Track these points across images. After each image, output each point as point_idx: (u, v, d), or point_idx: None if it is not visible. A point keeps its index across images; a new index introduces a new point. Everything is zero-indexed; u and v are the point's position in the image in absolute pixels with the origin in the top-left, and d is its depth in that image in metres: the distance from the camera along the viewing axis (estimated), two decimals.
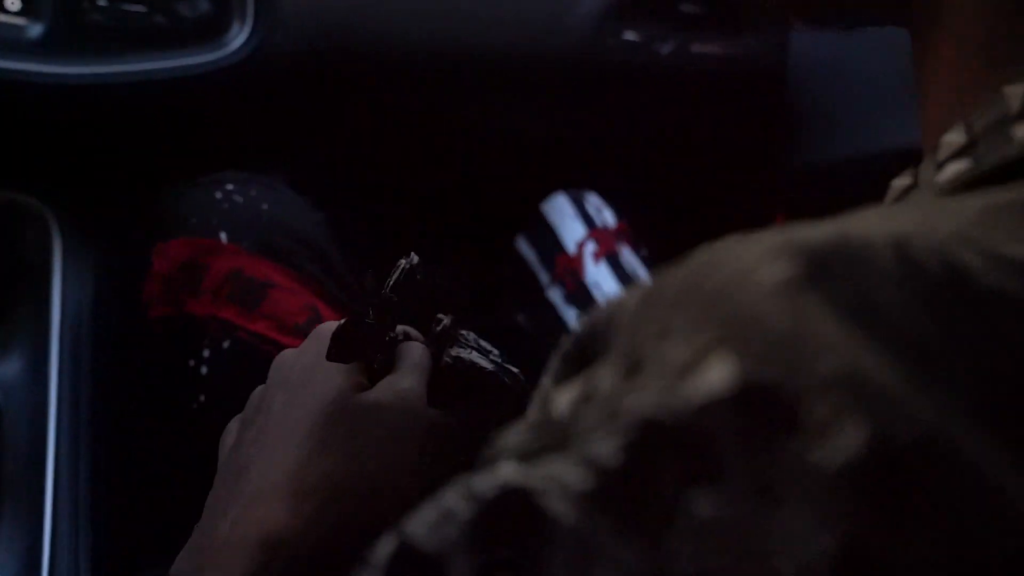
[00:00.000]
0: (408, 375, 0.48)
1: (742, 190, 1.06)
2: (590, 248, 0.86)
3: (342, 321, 0.47)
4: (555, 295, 0.85)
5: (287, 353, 0.50)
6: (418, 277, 0.50)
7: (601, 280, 0.84)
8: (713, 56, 0.99)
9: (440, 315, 0.53)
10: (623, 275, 0.84)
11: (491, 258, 0.95)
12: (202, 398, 0.66)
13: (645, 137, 1.02)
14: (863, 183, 0.99)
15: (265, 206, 0.72)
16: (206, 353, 0.67)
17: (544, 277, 0.86)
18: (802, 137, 1.04)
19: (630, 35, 0.97)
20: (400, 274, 0.50)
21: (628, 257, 0.86)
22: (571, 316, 0.84)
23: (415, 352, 0.50)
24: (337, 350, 0.46)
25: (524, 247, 0.90)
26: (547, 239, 0.88)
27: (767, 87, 1.02)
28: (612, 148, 1.02)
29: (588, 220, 0.87)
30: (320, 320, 0.68)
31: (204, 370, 0.67)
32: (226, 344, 0.67)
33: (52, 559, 0.61)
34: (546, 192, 0.92)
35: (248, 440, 0.46)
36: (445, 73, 0.92)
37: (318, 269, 0.72)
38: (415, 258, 0.51)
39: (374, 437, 0.46)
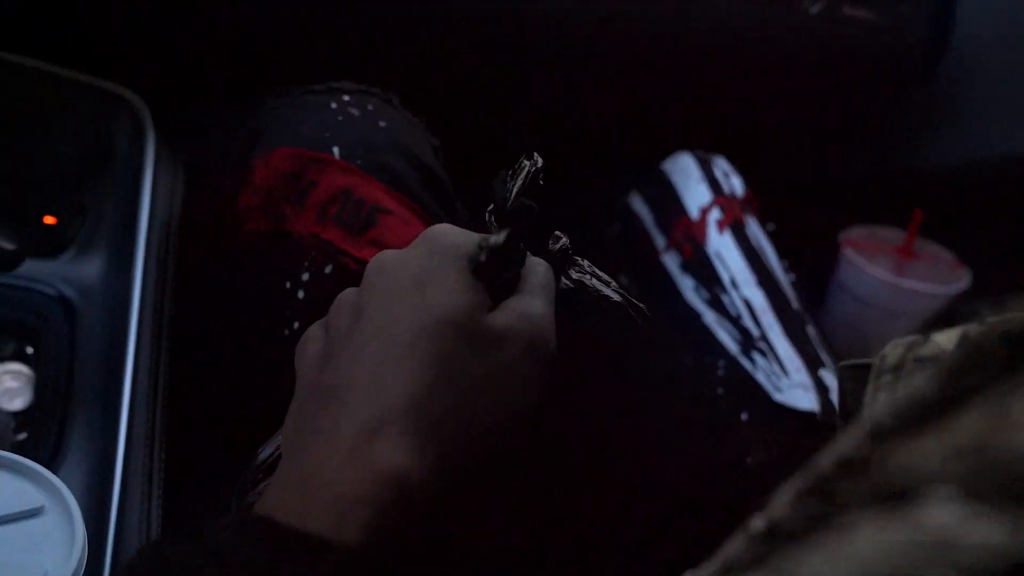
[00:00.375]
0: (538, 298, 0.43)
1: (877, 174, 1.00)
2: (715, 215, 0.81)
3: (486, 236, 0.42)
4: (670, 261, 0.81)
5: (389, 254, 0.44)
6: (541, 183, 0.45)
7: (724, 251, 0.79)
8: (864, 21, 0.93)
9: (557, 232, 0.48)
10: (748, 248, 0.79)
11: (597, 212, 0.90)
12: (296, 325, 0.61)
13: (779, 102, 0.96)
14: (1007, 184, 0.94)
15: (383, 123, 0.66)
16: (305, 276, 0.61)
17: (660, 240, 0.82)
18: (950, 133, 0.98)
19: None
20: (527, 177, 0.45)
21: (754, 229, 0.81)
22: (687, 285, 0.79)
23: (541, 271, 0.46)
24: (478, 265, 0.41)
25: (639, 204, 0.85)
26: (667, 200, 0.83)
27: (916, 64, 0.96)
28: (741, 112, 0.97)
29: (715, 185, 0.82)
30: None
31: (301, 294, 0.61)
32: (328, 269, 0.61)
33: (124, 475, 0.57)
34: (665, 150, 0.86)
35: (343, 352, 0.41)
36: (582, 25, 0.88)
37: (433, 199, 0.66)
38: (539, 160, 0.46)
39: (507, 369, 0.41)
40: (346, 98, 0.66)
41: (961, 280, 0.96)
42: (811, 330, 0.78)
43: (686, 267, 0.80)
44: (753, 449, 0.70)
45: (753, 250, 0.79)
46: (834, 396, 0.75)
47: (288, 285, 0.61)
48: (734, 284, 0.77)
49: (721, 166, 0.84)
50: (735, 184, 0.83)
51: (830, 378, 0.76)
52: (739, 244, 0.79)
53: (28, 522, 0.42)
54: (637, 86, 0.94)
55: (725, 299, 0.77)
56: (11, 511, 0.42)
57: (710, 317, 0.77)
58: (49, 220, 0.71)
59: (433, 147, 0.70)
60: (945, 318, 0.95)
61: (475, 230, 0.45)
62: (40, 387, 0.61)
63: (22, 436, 0.59)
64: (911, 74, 0.97)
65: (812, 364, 0.76)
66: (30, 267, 0.66)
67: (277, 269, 0.62)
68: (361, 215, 0.62)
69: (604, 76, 0.91)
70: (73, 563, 0.41)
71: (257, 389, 0.64)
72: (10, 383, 0.62)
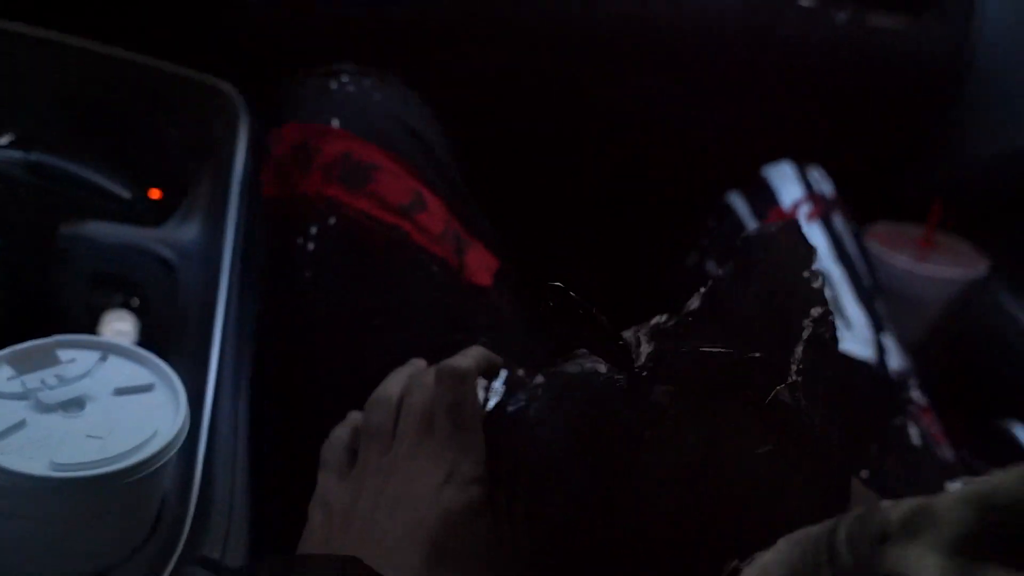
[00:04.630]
0: None
1: (901, 175, 1.05)
2: (805, 208, 0.90)
3: None
4: None
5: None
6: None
7: (812, 237, 0.86)
8: (890, 31, 0.98)
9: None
10: (834, 239, 0.88)
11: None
12: (308, 274, 0.71)
13: (809, 112, 1.02)
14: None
15: (378, 96, 0.77)
16: (313, 230, 0.71)
17: (751, 225, 0.91)
18: (975, 128, 1.02)
19: (806, 1, 0.98)
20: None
21: (840, 224, 0.90)
22: None
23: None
24: None
25: (736, 201, 0.94)
26: (763, 195, 0.93)
27: (944, 70, 1.01)
28: (777, 122, 1.03)
29: (807, 185, 0.92)
30: (423, 203, 0.72)
31: (311, 246, 0.71)
32: (332, 220, 0.71)
33: (214, 410, 0.64)
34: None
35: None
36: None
37: (423, 158, 0.76)
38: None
39: None
40: (344, 79, 0.77)
41: (979, 267, 1.00)
42: (880, 306, 0.87)
43: None
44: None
45: (836, 236, 0.89)
46: (891, 357, 0.83)
47: (300, 240, 0.71)
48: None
49: (815, 173, 0.94)
50: (826, 187, 0.93)
51: (890, 342, 0.84)
52: (825, 231, 0.89)
53: (143, 395, 0.50)
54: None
55: None
56: (129, 385, 0.50)
57: None
58: (154, 194, 0.80)
59: (424, 116, 0.80)
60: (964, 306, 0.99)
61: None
62: (143, 335, 0.68)
63: None
64: (943, 78, 1.01)
65: (876, 327, 0.84)
66: (138, 232, 0.74)
67: (290, 228, 0.72)
68: (359, 172, 0.72)
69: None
70: (178, 424, 0.48)
71: (286, 335, 0.73)
72: (118, 326, 0.69)
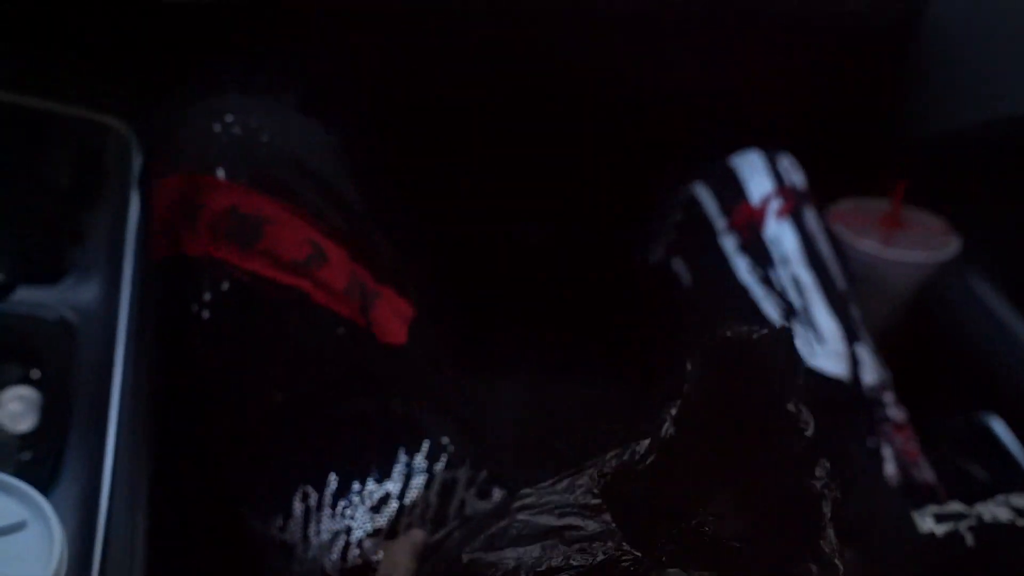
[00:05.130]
0: None
1: (860, 152, 0.99)
2: (775, 205, 0.85)
3: None
4: (728, 242, 0.85)
5: None
6: None
7: (782, 237, 0.84)
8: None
9: None
10: (803, 234, 0.84)
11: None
12: (204, 346, 0.66)
13: (759, 87, 0.96)
14: (991, 149, 0.92)
15: (265, 137, 0.69)
16: (207, 296, 0.65)
17: (720, 223, 0.86)
18: (931, 100, 0.97)
19: None
20: None
21: (811, 219, 0.86)
22: (741, 265, 0.83)
23: None
24: None
25: (702, 192, 0.89)
26: (731, 188, 0.87)
27: (896, 40, 0.95)
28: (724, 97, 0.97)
29: (777, 177, 0.87)
30: (323, 256, 0.66)
31: (206, 314, 0.65)
32: (225, 286, 0.65)
33: (112, 489, 0.60)
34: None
35: None
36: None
37: (321, 201, 0.69)
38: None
39: None
40: (229, 118, 0.69)
41: (949, 247, 0.94)
42: (854, 310, 0.83)
43: (743, 248, 0.84)
44: None
45: (808, 236, 0.84)
46: (865, 371, 0.79)
47: (195, 307, 0.65)
48: (785, 262, 0.82)
49: (785, 161, 0.89)
50: (796, 179, 0.88)
51: (865, 353, 0.80)
52: (795, 230, 0.84)
53: (10, 536, 0.44)
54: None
55: (774, 276, 0.82)
56: None
57: (758, 292, 0.82)
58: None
59: (323, 147, 0.73)
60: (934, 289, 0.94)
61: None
62: (46, 409, 0.63)
63: (26, 457, 0.61)
64: (894, 49, 0.96)
65: (850, 337, 0.80)
66: (33, 293, 0.69)
67: (183, 293, 0.66)
68: (248, 228, 0.65)
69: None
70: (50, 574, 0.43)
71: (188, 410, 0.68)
72: (17, 407, 0.63)
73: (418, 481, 0.63)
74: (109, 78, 0.81)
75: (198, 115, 0.69)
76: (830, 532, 0.42)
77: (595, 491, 0.45)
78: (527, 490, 0.50)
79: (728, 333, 0.45)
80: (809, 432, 0.45)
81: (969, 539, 0.63)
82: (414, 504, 0.62)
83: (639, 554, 0.42)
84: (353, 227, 0.69)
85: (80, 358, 0.67)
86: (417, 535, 0.56)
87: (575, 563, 0.43)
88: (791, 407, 0.45)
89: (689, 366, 0.45)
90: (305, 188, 0.68)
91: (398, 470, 0.63)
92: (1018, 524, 0.62)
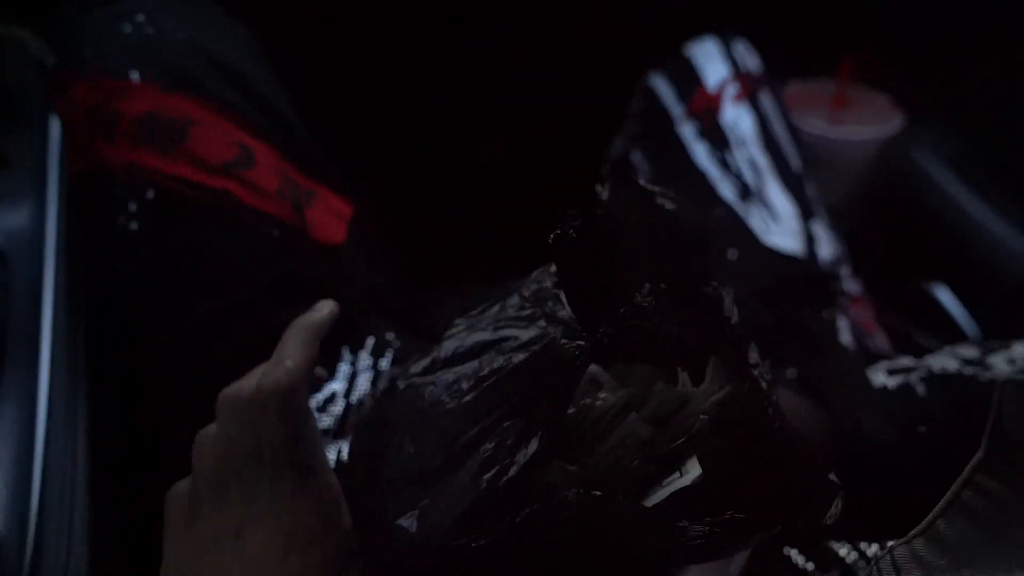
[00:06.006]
0: None
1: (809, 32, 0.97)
2: (732, 89, 0.84)
3: None
4: (686, 130, 0.84)
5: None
6: None
7: (739, 121, 0.83)
8: None
9: None
10: (759, 117, 0.83)
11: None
12: (134, 258, 0.63)
13: None
14: (934, 23, 0.90)
15: (181, 36, 0.66)
16: (132, 207, 0.62)
17: (678, 111, 0.85)
18: None
19: None
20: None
21: (767, 103, 0.85)
22: (700, 151, 0.82)
23: None
24: None
25: (660, 83, 0.88)
26: (687, 75, 0.86)
27: None
28: None
29: (733, 62, 0.86)
30: (250, 156, 0.62)
31: (134, 226, 0.62)
32: (150, 194, 0.62)
33: (49, 416, 0.59)
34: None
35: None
36: None
37: (244, 101, 0.66)
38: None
39: None
40: (140, 17, 0.65)
41: (894, 122, 0.94)
42: (808, 188, 0.83)
43: (701, 134, 0.83)
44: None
45: (763, 118, 0.84)
46: (821, 246, 0.80)
47: (121, 219, 0.62)
48: (742, 145, 0.82)
49: (740, 47, 0.88)
50: (752, 63, 0.87)
51: (820, 230, 0.81)
52: (751, 113, 0.84)
53: None
54: None
55: (731, 159, 0.81)
56: None
57: (716, 175, 0.81)
58: None
59: (243, 43, 0.69)
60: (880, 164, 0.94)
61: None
62: None
63: None
64: None
65: (804, 215, 0.80)
66: None
67: (106, 206, 0.63)
68: (171, 132, 0.62)
69: None
70: None
71: (117, 338, 0.66)
72: None
73: (365, 378, 0.61)
74: None
75: (106, 17, 0.65)
76: (771, 408, 0.42)
77: (526, 305, 0.45)
78: (458, 320, 0.48)
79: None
80: (735, 319, 0.43)
81: (920, 389, 0.63)
82: (361, 402, 0.61)
83: (581, 341, 0.41)
84: (280, 126, 0.66)
85: (11, 284, 0.65)
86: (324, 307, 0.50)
87: (516, 361, 0.42)
88: (709, 289, 0.44)
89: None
90: (227, 88, 0.65)
91: (342, 369, 0.61)
92: (965, 373, 0.63)
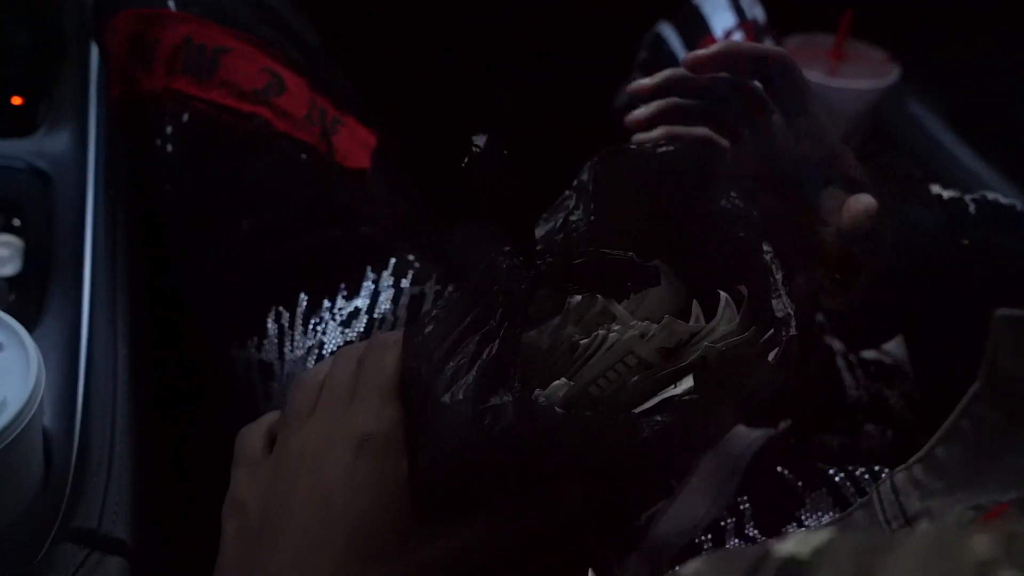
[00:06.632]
0: None
1: None
2: (737, 37, 0.87)
3: None
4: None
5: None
6: None
7: None
8: None
9: None
10: None
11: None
12: (170, 178, 0.66)
13: None
14: None
15: None
16: (168, 130, 0.66)
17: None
18: None
19: None
20: None
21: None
22: None
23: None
24: None
25: (667, 31, 0.90)
26: (695, 24, 0.89)
27: None
28: None
29: (739, 11, 0.88)
30: (281, 84, 0.66)
31: (169, 148, 0.66)
32: (185, 118, 0.66)
33: (91, 325, 0.62)
34: None
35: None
36: None
37: (275, 31, 0.70)
38: None
39: None
40: None
41: (891, 75, 0.97)
42: None
43: None
44: None
45: None
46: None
47: (158, 142, 0.66)
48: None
49: None
50: (758, 12, 0.89)
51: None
52: None
53: None
54: None
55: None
56: None
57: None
58: (16, 100, 0.76)
59: None
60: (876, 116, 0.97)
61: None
62: (28, 254, 0.66)
63: (12, 298, 0.64)
64: None
65: None
66: (6, 146, 0.71)
67: (144, 129, 0.67)
68: (204, 59, 0.66)
69: None
70: (28, 390, 0.44)
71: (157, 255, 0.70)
72: (2, 252, 0.66)
73: (386, 296, 0.65)
74: None
75: None
76: (784, 297, 0.44)
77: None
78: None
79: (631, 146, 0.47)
80: (756, 218, 0.46)
81: (972, 207, 0.63)
82: (383, 317, 0.65)
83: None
84: (310, 59, 0.70)
85: (56, 205, 0.69)
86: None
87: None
88: (724, 203, 0.47)
89: (584, 174, 0.47)
90: (259, 21, 0.69)
91: (366, 287, 0.65)
92: (1017, 208, 0.63)
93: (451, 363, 0.43)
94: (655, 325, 0.45)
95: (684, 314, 0.47)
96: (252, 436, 0.48)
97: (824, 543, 0.26)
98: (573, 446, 0.42)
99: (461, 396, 0.41)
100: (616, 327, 0.45)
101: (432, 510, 0.44)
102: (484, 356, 0.42)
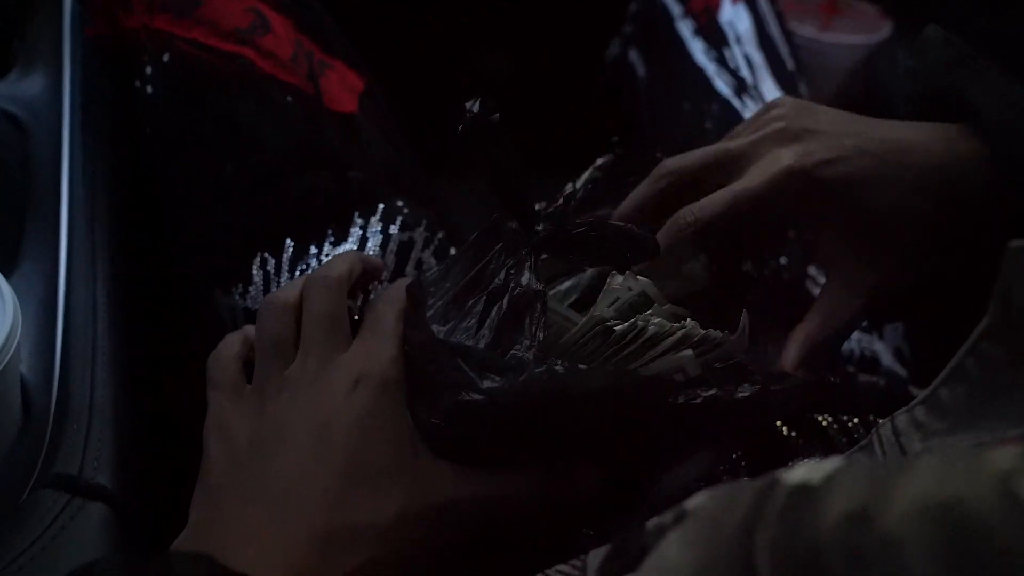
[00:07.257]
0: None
1: None
2: None
3: None
4: (684, 28, 0.85)
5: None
6: None
7: (736, 20, 0.84)
8: None
9: None
10: (756, 16, 0.84)
11: None
12: (150, 120, 0.65)
13: None
14: None
15: None
16: (148, 70, 0.64)
17: (676, 9, 0.85)
18: None
19: None
20: None
21: (763, 4, 0.86)
22: (697, 48, 0.83)
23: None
24: None
25: None
26: None
27: None
28: None
29: None
30: (266, 24, 0.64)
31: (149, 89, 0.64)
32: (166, 57, 0.63)
33: (69, 268, 0.61)
34: None
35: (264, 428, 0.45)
36: None
37: None
38: None
39: None
40: None
41: (883, 30, 0.96)
42: (801, 88, 0.84)
43: (698, 32, 0.84)
44: None
45: (760, 18, 0.85)
46: None
47: (137, 83, 0.64)
48: (738, 41, 0.83)
49: None
50: None
51: None
52: (749, 12, 0.84)
53: None
54: None
55: (728, 54, 0.82)
56: None
57: (712, 70, 0.82)
58: None
59: None
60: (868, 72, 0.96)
61: None
62: (3, 200, 0.64)
63: None
64: None
65: None
66: None
67: (122, 69, 0.65)
68: None
69: None
70: (3, 335, 0.44)
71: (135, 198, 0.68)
72: None
73: (374, 243, 0.64)
74: None
75: None
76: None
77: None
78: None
79: None
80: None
81: None
82: None
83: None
84: (297, 1, 0.68)
85: (31, 149, 0.67)
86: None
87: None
88: None
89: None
90: None
91: (354, 233, 0.64)
92: None
93: (462, 321, 0.44)
94: (691, 321, 0.45)
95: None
96: (226, 360, 0.49)
97: (835, 469, 0.26)
98: (604, 400, 0.42)
99: (482, 345, 0.42)
100: (655, 320, 0.45)
101: (441, 454, 0.44)
102: (493, 314, 0.43)
